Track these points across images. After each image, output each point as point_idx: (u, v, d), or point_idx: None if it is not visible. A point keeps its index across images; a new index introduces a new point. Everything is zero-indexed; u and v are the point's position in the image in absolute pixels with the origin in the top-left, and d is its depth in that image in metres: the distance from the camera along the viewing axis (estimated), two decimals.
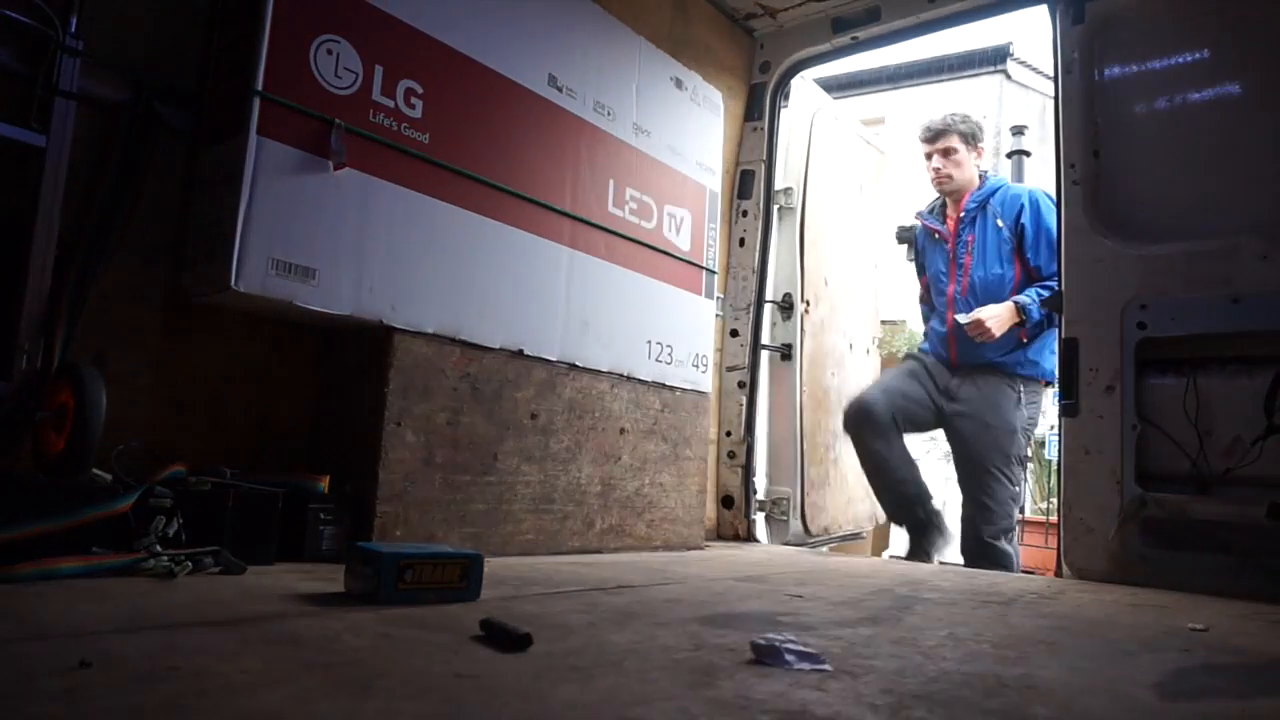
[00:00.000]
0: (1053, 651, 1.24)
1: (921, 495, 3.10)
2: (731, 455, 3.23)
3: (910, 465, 3.12)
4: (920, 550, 3.09)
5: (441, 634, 1.10)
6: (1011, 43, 11.11)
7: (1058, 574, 2.52)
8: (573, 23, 2.41)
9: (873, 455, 3.10)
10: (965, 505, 3.06)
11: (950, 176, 3.12)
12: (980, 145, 3.17)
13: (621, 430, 2.46)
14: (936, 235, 3.21)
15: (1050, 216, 2.91)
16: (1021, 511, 8.14)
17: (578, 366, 2.33)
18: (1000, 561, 2.92)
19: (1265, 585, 2.12)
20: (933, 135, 3.16)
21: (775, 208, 3.42)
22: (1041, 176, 10.47)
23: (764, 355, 3.36)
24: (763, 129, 3.41)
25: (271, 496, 1.66)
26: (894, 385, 3.18)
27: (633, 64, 2.59)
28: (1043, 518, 6.76)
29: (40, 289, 1.59)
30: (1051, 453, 7.36)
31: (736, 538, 3.19)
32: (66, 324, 1.64)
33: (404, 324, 1.92)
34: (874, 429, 3.07)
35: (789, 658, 1.03)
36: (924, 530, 3.09)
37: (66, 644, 0.91)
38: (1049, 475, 7.57)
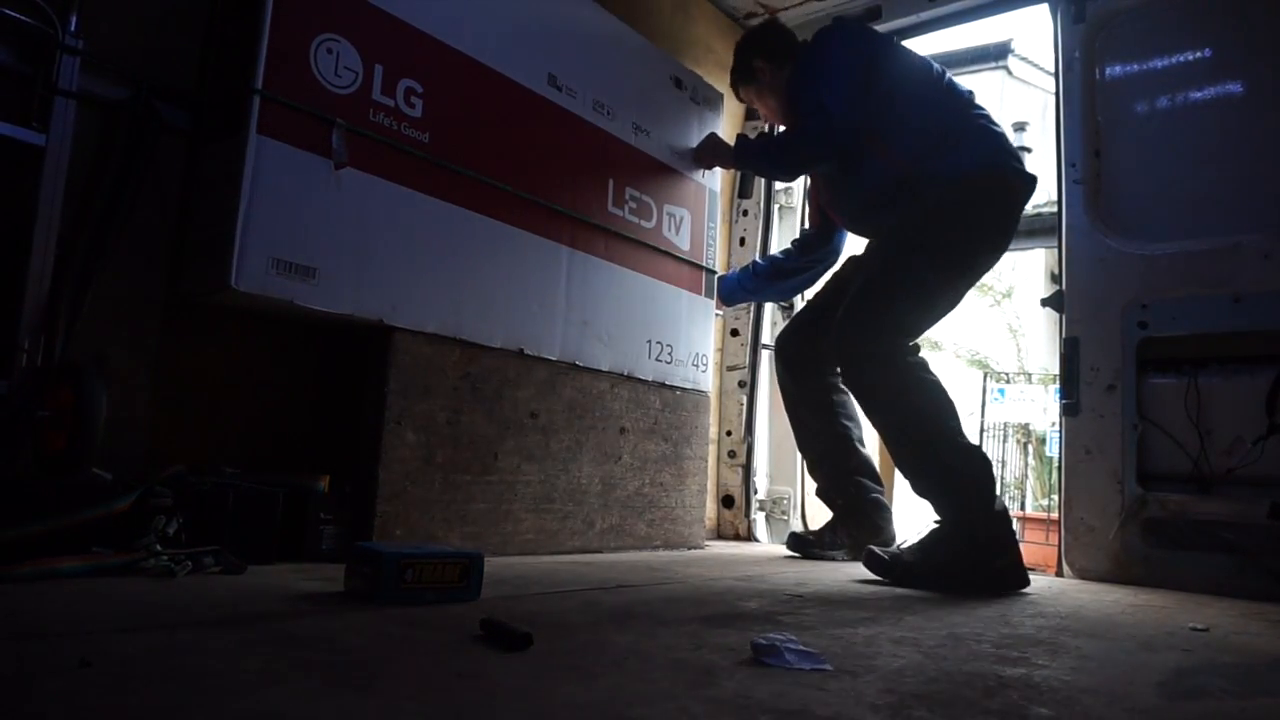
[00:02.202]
0: (1053, 651, 1.24)
1: (838, 460, 2.61)
2: (732, 455, 3.23)
3: (826, 416, 2.60)
4: (822, 540, 2.59)
5: (442, 634, 1.10)
6: (1013, 39, 11.10)
7: (1058, 574, 2.52)
8: (573, 22, 2.41)
9: (785, 399, 2.72)
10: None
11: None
12: (765, 62, 2.55)
13: (622, 430, 2.46)
14: None
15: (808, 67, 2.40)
16: (1022, 508, 8.18)
17: (578, 366, 2.33)
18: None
19: (1266, 585, 2.12)
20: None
21: (776, 207, 3.42)
22: (1043, 173, 10.48)
23: (764, 355, 3.35)
24: (763, 128, 3.41)
25: (271, 496, 1.66)
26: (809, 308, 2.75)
27: (632, 63, 2.58)
28: (1044, 514, 6.78)
29: (40, 288, 1.59)
30: (1052, 450, 7.37)
31: (737, 537, 3.19)
32: (66, 323, 1.64)
33: (404, 323, 1.92)
34: (785, 369, 2.69)
35: (789, 657, 1.03)
36: (843, 516, 2.60)
37: (67, 643, 0.91)
38: (1050, 473, 7.58)
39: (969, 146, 2.26)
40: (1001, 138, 2.32)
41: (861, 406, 2.28)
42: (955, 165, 2.23)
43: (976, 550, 2.01)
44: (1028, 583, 2.04)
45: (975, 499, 2.06)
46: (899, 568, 2.03)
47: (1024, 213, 2.35)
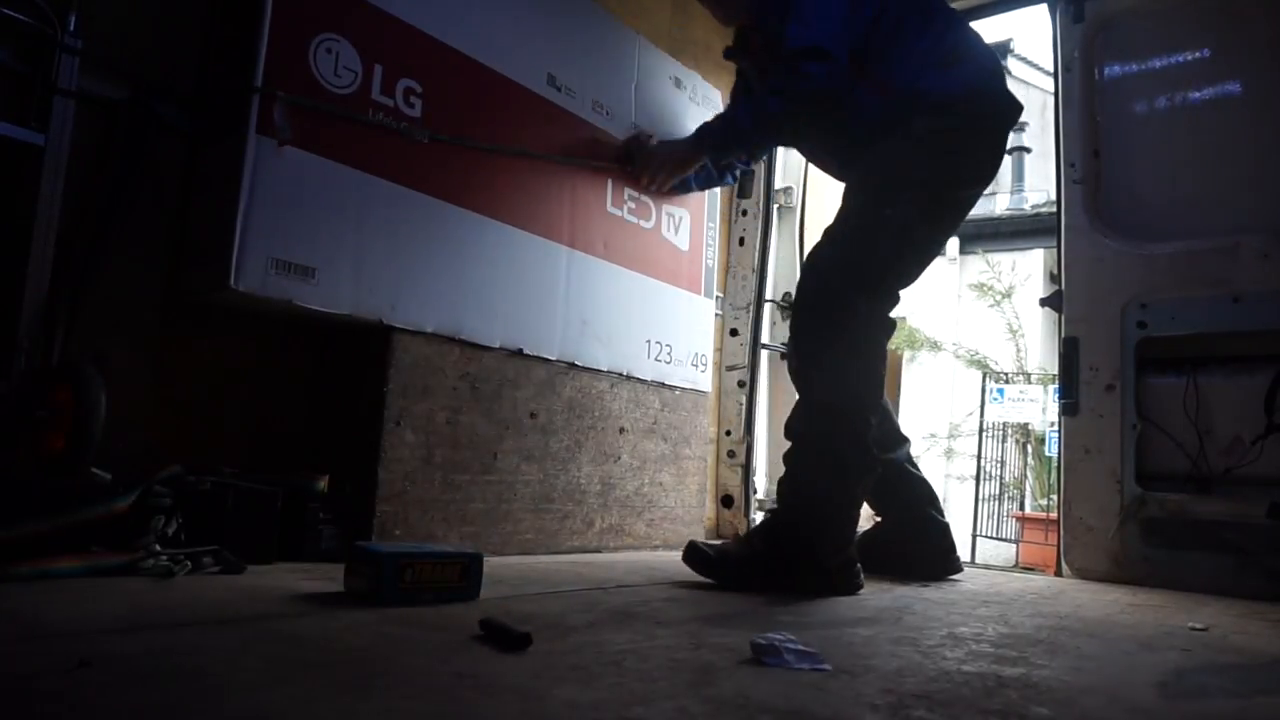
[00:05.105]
0: (1052, 651, 1.24)
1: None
2: (731, 454, 3.23)
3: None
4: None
5: (441, 634, 1.10)
6: (1012, 39, 11.12)
7: (1057, 573, 2.53)
8: (572, 22, 2.41)
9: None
10: None
11: None
12: None
13: (621, 429, 2.46)
14: None
15: None
16: (1021, 508, 8.17)
17: (577, 366, 2.33)
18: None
19: (1265, 585, 2.13)
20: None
21: (775, 206, 3.42)
22: (1042, 173, 10.48)
23: (764, 354, 3.35)
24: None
25: (271, 496, 1.66)
26: None
27: (632, 63, 2.58)
28: (1043, 514, 6.78)
29: (39, 288, 1.59)
30: (1051, 450, 7.37)
31: (736, 537, 3.19)
32: (65, 323, 1.64)
33: (403, 323, 1.92)
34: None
35: (789, 657, 1.03)
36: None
37: (66, 644, 0.91)
38: (1049, 473, 7.59)
39: (962, 66, 1.99)
40: (992, 56, 2.08)
41: (795, 370, 1.97)
42: (947, 88, 1.95)
43: (798, 547, 1.79)
44: (853, 590, 1.79)
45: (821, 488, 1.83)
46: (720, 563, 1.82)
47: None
